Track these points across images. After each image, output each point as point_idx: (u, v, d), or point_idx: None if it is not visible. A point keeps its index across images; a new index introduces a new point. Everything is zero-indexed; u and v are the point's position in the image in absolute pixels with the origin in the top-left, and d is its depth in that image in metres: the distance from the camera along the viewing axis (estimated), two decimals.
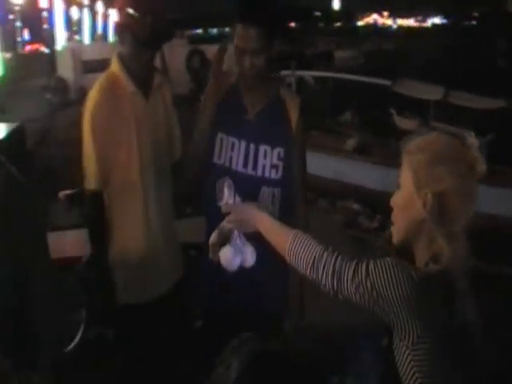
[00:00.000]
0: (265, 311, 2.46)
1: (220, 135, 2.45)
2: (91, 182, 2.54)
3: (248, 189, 2.36)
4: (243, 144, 2.44)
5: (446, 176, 1.46)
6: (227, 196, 2.00)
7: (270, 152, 2.44)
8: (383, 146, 8.25)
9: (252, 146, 2.43)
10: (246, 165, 2.42)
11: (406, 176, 1.52)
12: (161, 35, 2.49)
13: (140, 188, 2.52)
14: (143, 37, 2.46)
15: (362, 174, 7.99)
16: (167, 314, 2.64)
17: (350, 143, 8.62)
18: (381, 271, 1.44)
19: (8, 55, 27.60)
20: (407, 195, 1.52)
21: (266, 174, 2.44)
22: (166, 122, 2.64)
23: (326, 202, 7.84)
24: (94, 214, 2.58)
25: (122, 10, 2.52)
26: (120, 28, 2.58)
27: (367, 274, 1.46)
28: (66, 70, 15.15)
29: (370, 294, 1.45)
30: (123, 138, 2.50)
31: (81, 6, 40.24)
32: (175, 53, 14.29)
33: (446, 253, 1.45)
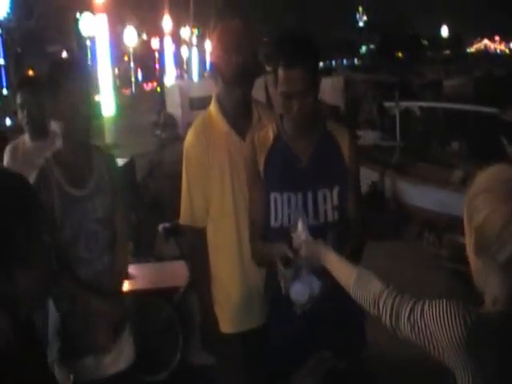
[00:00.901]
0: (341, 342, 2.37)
1: (273, 195, 2.32)
2: (184, 218, 2.64)
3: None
4: (300, 196, 2.31)
5: (482, 205, 1.38)
6: (300, 230, 2.02)
7: (329, 195, 2.32)
8: None
9: (310, 194, 2.31)
10: (306, 216, 2.28)
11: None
12: (248, 73, 2.50)
13: (233, 222, 2.55)
14: (229, 76, 2.49)
15: None
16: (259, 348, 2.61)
17: (457, 174, 8.32)
18: (435, 312, 1.41)
19: (126, 91, 28.95)
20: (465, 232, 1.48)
21: (330, 219, 2.33)
22: None
23: (432, 236, 7.58)
24: (195, 249, 2.66)
25: (213, 51, 2.59)
26: (212, 68, 2.66)
27: (422, 314, 1.44)
28: (174, 107, 15.66)
29: (424, 335, 1.43)
30: (217, 174, 2.54)
31: (190, 46, 41.77)
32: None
33: (500, 291, 1.36)
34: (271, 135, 2.38)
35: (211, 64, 2.68)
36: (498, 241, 1.36)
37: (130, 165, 6.23)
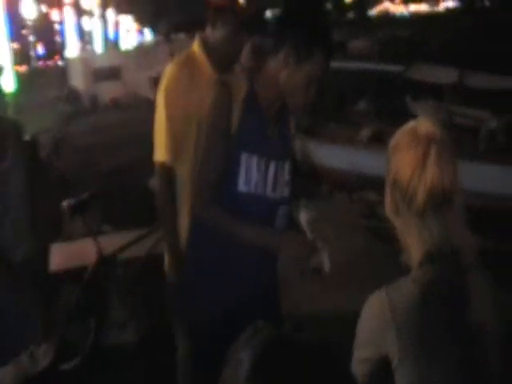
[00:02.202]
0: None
1: (245, 156, 2.12)
2: (160, 154, 2.52)
3: (268, 214, 2.18)
4: (263, 163, 2.16)
5: (392, 162, 1.39)
6: None
7: (284, 169, 2.24)
8: None
9: (272, 164, 2.19)
10: (266, 187, 2.18)
11: None
12: (259, 22, 2.34)
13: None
14: (246, 19, 2.40)
15: (378, 163, 7.76)
16: None
17: (365, 133, 8.43)
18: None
19: (22, 69, 27.82)
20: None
21: (284, 194, 2.23)
22: None
23: (342, 194, 7.67)
24: (163, 187, 2.52)
25: None
26: (219, 8, 2.47)
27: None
28: (77, 80, 15.16)
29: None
30: (195, 120, 2.42)
31: (92, 16, 40.47)
32: None
33: (418, 248, 1.32)
34: (244, 86, 2.16)
35: (215, 4, 2.50)
36: (410, 190, 1.33)
37: (31, 142, 5.95)
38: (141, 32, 55.07)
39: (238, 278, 2.16)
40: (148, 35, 51.71)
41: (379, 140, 8.32)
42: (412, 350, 1.25)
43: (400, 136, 1.40)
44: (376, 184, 8.21)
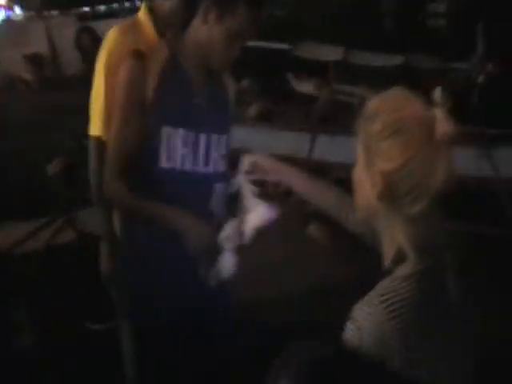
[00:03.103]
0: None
1: (167, 129, 1.99)
2: (95, 127, 2.33)
3: (200, 191, 2.06)
4: (192, 136, 2.04)
5: (393, 151, 1.23)
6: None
7: (219, 142, 2.11)
8: (284, 111, 8.19)
9: (203, 136, 2.06)
10: (197, 161, 2.05)
11: (358, 149, 1.30)
12: None
13: None
14: None
15: (265, 140, 7.85)
16: None
17: (252, 111, 8.45)
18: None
19: None
20: (359, 172, 1.31)
21: (218, 169, 2.11)
22: None
23: (231, 174, 7.65)
24: (98, 165, 2.30)
25: None
26: None
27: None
28: None
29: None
30: None
31: None
32: (63, 31, 13.58)
33: (406, 244, 1.25)
34: (163, 54, 2.03)
35: None
36: (413, 192, 1.22)
37: None
38: (9, 8, 52.24)
39: (178, 266, 2.03)
40: (17, 10, 49.11)
41: (266, 117, 8.37)
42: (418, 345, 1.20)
43: (404, 123, 1.25)
44: None
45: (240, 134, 8.55)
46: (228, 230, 1.83)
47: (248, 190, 1.83)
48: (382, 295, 1.20)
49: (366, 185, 1.28)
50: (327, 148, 7.89)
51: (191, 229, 1.89)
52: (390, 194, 1.24)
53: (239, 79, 10.42)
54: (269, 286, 3.97)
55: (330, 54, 8.44)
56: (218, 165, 2.12)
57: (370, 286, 1.26)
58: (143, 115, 1.97)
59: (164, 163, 2.01)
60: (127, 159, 1.99)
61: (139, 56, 2.00)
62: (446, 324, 1.25)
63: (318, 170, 8.51)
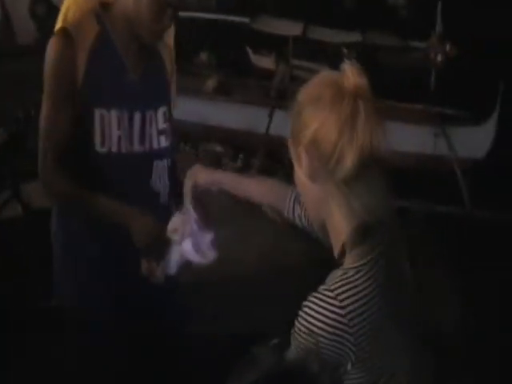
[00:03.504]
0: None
1: (99, 111, 1.88)
2: None
3: (139, 171, 1.96)
4: (126, 115, 1.92)
5: (310, 118, 1.19)
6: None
7: (154, 117, 1.98)
8: (242, 85, 8.13)
9: (137, 115, 1.95)
10: (132, 141, 1.94)
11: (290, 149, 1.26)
12: None
13: None
14: None
15: (223, 114, 7.78)
16: None
17: (210, 84, 8.34)
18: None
19: None
20: (297, 172, 1.26)
21: (155, 146, 1.99)
22: None
23: (188, 147, 7.56)
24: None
25: None
26: None
27: None
28: None
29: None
30: None
31: None
32: None
33: (345, 222, 1.20)
34: (93, 31, 1.90)
35: None
36: (337, 151, 1.15)
37: None
38: None
39: (120, 266, 1.95)
40: None
41: (224, 91, 8.27)
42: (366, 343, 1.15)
43: (319, 88, 1.18)
44: (221, 135, 8.30)
45: (197, 108, 8.51)
46: (175, 222, 1.71)
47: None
48: (334, 289, 1.15)
49: (298, 171, 1.24)
50: (284, 124, 7.79)
51: (136, 220, 1.79)
52: (316, 164, 1.19)
53: (197, 52, 10.28)
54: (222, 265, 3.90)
55: (289, 28, 8.36)
56: (155, 141, 2.00)
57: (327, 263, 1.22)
58: (74, 99, 1.85)
59: (99, 147, 1.90)
60: (61, 148, 1.87)
61: (66, 35, 1.87)
62: (397, 310, 1.21)
63: (275, 145, 8.52)
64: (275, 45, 8.87)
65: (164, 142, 2.02)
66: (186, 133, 7.66)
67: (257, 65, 9.38)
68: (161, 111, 2.01)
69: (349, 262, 1.18)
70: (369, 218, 1.17)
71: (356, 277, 1.16)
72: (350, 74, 1.16)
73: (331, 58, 8.38)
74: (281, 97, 8.02)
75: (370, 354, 1.15)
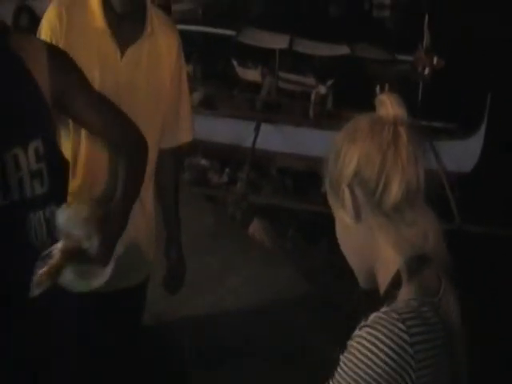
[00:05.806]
0: None
1: None
2: None
3: (10, 227, 1.43)
4: None
5: (349, 157, 1.07)
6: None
7: (23, 156, 1.43)
8: (228, 98, 7.99)
9: None
10: None
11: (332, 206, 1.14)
12: None
13: None
14: None
15: (208, 128, 7.69)
16: None
17: (196, 97, 8.25)
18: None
19: None
20: (335, 214, 1.13)
21: (28, 194, 1.43)
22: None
23: None
24: None
25: None
26: None
27: None
28: None
29: None
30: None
31: None
32: (0, 10, 13.08)
33: (396, 255, 1.07)
34: None
35: None
36: (382, 180, 1.03)
37: None
38: None
39: None
40: None
41: (210, 105, 8.18)
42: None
43: (355, 124, 1.06)
44: (207, 149, 8.15)
45: None
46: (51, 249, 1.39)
47: None
48: (402, 313, 1.01)
49: (343, 219, 1.11)
50: (271, 137, 7.74)
51: None
52: (354, 206, 1.07)
53: None
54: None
55: (275, 41, 8.32)
56: (27, 187, 1.45)
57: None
58: None
59: None
60: None
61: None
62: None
63: (261, 159, 8.43)
64: (262, 58, 8.83)
65: (40, 188, 1.50)
66: None
67: (242, 77, 9.33)
68: (34, 146, 1.46)
69: (406, 292, 1.06)
70: (415, 252, 1.05)
71: (424, 309, 1.04)
72: (389, 104, 1.06)
73: (318, 70, 8.35)
74: (268, 109, 7.95)
75: None
